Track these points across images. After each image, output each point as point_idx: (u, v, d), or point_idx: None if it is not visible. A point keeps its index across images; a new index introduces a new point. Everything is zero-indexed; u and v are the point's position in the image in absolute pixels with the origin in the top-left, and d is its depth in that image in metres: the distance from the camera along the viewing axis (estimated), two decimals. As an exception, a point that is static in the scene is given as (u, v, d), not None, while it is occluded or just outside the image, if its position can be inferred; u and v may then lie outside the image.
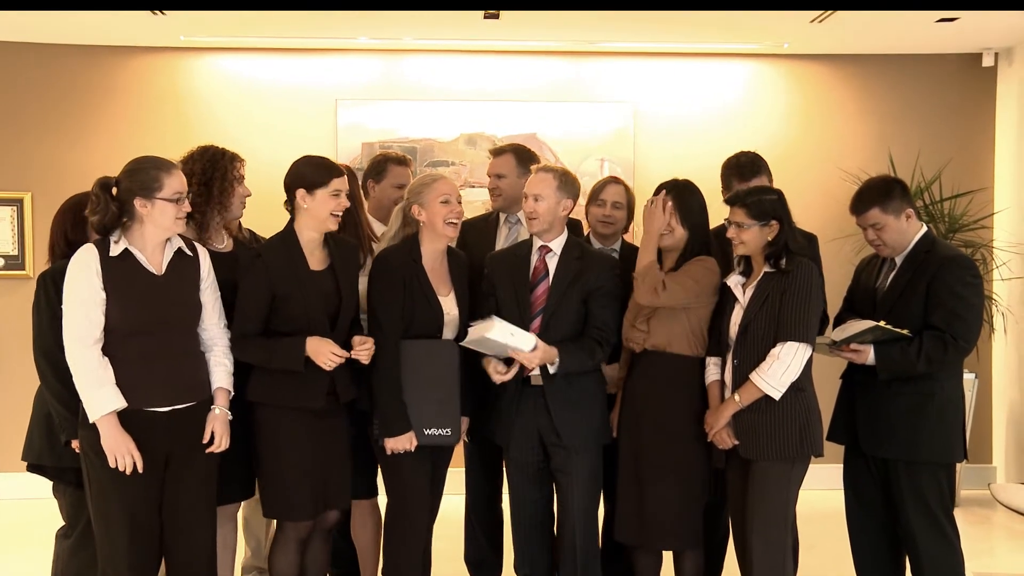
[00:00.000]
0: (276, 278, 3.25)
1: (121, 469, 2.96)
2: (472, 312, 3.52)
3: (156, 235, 3.07)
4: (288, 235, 3.35)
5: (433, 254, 3.49)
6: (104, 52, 5.65)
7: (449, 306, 3.46)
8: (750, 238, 3.33)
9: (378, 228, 3.96)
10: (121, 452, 2.96)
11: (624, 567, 3.77)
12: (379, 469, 3.62)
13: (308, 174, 3.33)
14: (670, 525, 3.42)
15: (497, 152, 4.11)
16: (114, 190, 3.03)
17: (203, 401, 3.14)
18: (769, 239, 3.31)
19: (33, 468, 3.47)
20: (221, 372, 3.19)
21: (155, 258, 3.08)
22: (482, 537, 4.15)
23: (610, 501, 3.79)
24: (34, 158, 5.63)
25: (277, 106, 5.73)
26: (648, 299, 3.36)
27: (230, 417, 3.18)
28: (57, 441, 3.32)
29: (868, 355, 3.41)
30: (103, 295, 2.99)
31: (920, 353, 3.33)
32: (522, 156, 4.03)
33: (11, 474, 5.44)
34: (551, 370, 3.40)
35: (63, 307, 3.04)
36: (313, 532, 3.47)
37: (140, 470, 2.98)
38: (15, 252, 5.63)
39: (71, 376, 3.25)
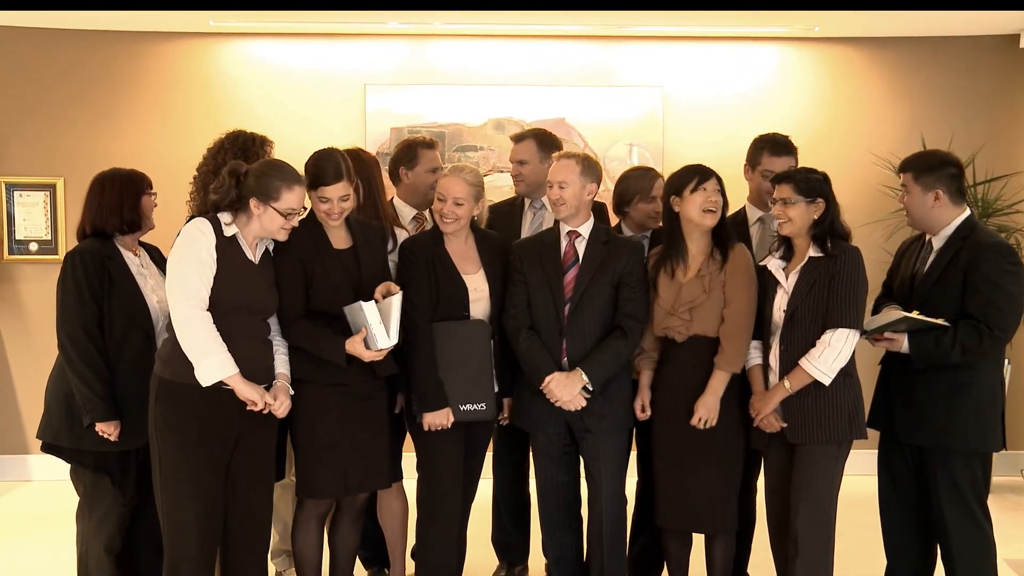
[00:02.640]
0: (304, 256, 3.31)
1: (261, 407, 3.11)
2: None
3: (259, 233, 3.20)
4: (311, 218, 3.40)
5: (454, 238, 3.55)
6: (134, 38, 5.68)
7: (476, 283, 3.53)
8: (796, 215, 3.32)
9: (405, 212, 4.00)
10: (260, 393, 3.12)
11: (653, 549, 3.79)
12: (404, 452, 3.66)
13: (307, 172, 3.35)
14: (712, 509, 3.45)
15: (518, 138, 4.12)
16: (239, 178, 3.16)
17: (269, 386, 3.24)
18: (815, 217, 3.31)
19: (49, 448, 3.48)
20: (282, 359, 3.30)
21: (251, 249, 3.22)
22: (509, 520, 4.18)
23: (643, 483, 3.80)
24: (66, 144, 5.68)
25: (306, 91, 5.74)
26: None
27: (292, 392, 3.27)
28: (76, 422, 3.35)
29: (903, 343, 3.38)
30: (216, 267, 3.09)
31: (955, 343, 3.29)
32: (543, 141, 4.04)
33: (46, 455, 5.53)
34: (590, 387, 3.44)
35: (171, 268, 3.12)
36: (341, 513, 3.52)
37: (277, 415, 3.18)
38: (48, 237, 5.70)
39: (97, 358, 3.32)
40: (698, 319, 3.42)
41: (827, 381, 3.25)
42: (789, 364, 3.31)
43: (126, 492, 3.44)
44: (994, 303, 3.31)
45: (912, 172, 3.46)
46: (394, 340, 3.24)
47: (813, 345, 3.27)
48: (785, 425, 3.34)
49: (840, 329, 3.24)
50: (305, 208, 3.27)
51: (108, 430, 3.33)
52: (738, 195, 3.63)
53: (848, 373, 3.30)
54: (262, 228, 3.18)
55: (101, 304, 3.36)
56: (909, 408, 3.45)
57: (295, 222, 3.20)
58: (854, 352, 3.30)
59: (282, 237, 3.21)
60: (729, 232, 3.49)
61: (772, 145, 3.88)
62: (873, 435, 3.65)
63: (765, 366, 3.42)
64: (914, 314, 3.30)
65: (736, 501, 3.50)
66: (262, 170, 3.18)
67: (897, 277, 3.63)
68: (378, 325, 3.20)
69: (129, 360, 3.38)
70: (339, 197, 3.32)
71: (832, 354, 3.23)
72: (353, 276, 3.36)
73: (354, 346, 3.22)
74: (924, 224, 3.48)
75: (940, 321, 3.30)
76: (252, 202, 3.14)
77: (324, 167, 3.32)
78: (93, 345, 3.33)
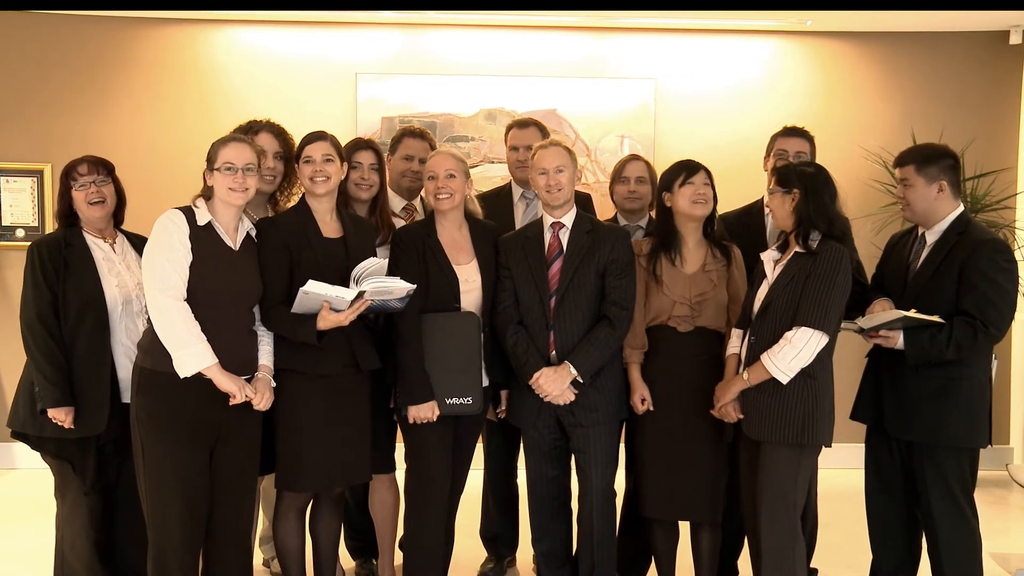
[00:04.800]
0: (290, 242, 3.29)
1: (241, 400, 3.10)
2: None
3: (225, 210, 3.18)
4: (301, 205, 3.41)
5: (447, 227, 3.54)
6: (125, 23, 5.65)
7: (468, 274, 3.50)
8: (775, 205, 3.32)
9: (395, 201, 3.97)
10: (239, 386, 3.11)
11: (641, 541, 3.80)
12: (397, 444, 3.65)
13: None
14: (699, 498, 3.46)
15: (522, 124, 4.15)
16: None
17: (252, 376, 3.23)
18: (789, 208, 3.26)
19: (17, 435, 3.50)
20: (266, 350, 3.28)
21: (230, 235, 3.20)
22: (498, 513, 4.18)
23: (633, 476, 3.81)
24: (55, 129, 5.64)
25: (297, 79, 5.72)
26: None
27: (273, 384, 3.25)
28: (38, 410, 3.35)
29: (898, 340, 3.36)
30: (191, 256, 3.08)
31: (950, 341, 3.28)
32: (543, 130, 4.12)
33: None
34: (580, 379, 3.44)
35: (146, 260, 3.11)
36: (319, 503, 3.50)
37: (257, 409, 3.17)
38: (35, 223, 5.66)
39: (50, 344, 3.31)
40: (705, 312, 3.46)
41: (784, 379, 3.17)
42: (755, 357, 3.26)
43: (87, 479, 3.43)
44: (990, 300, 3.30)
45: (914, 164, 3.44)
46: (363, 287, 3.15)
47: (778, 341, 3.20)
48: (742, 417, 3.32)
49: (804, 328, 3.15)
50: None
51: (60, 416, 3.31)
52: (733, 188, 3.63)
53: (810, 375, 3.18)
54: (220, 199, 3.16)
55: (56, 292, 3.35)
56: (900, 403, 3.44)
57: (241, 179, 3.13)
58: (827, 355, 3.21)
59: (236, 200, 3.15)
60: (720, 229, 3.54)
61: (785, 129, 3.96)
62: (860, 429, 3.66)
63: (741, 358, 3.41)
64: (911, 312, 3.28)
65: (723, 491, 3.51)
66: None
67: (888, 271, 3.61)
68: (331, 290, 3.12)
69: (84, 347, 3.36)
70: (323, 156, 3.32)
71: (791, 352, 3.15)
72: (341, 266, 3.33)
73: (325, 320, 3.18)
74: (925, 217, 3.45)
75: (935, 318, 3.28)
76: (206, 174, 3.18)
77: (308, 135, 3.40)
78: (47, 331, 3.32)
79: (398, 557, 3.82)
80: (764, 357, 3.20)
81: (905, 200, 3.47)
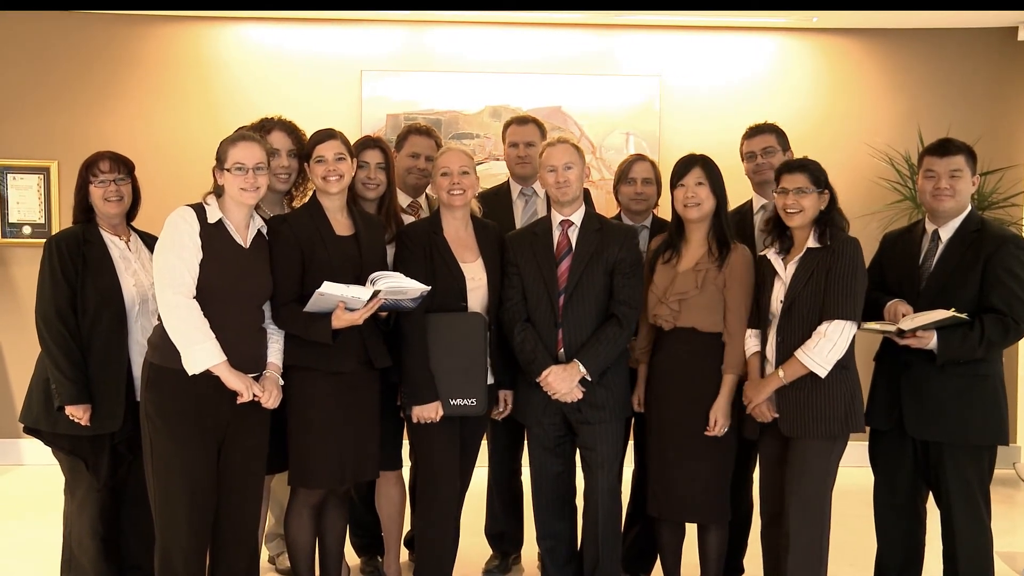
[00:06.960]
0: (303, 240, 3.28)
1: (248, 398, 3.09)
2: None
3: (236, 208, 3.18)
4: (312, 203, 3.40)
5: (454, 224, 3.53)
6: (129, 20, 5.65)
7: (475, 272, 3.50)
8: (810, 204, 3.28)
9: (400, 198, 3.95)
10: (247, 384, 3.10)
11: (646, 540, 3.80)
12: (404, 441, 3.65)
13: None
14: (702, 499, 3.44)
15: (521, 120, 4.18)
16: None
17: (260, 375, 3.23)
18: (822, 208, 3.29)
19: (30, 431, 3.49)
20: (276, 348, 3.27)
21: (241, 232, 3.19)
22: (503, 510, 4.18)
23: (640, 472, 3.81)
24: (60, 127, 5.66)
25: (302, 76, 5.72)
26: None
27: (281, 383, 3.25)
28: (52, 406, 3.35)
29: (931, 340, 3.28)
30: (201, 254, 3.08)
31: (982, 338, 3.25)
32: (542, 127, 4.16)
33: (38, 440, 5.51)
34: (588, 378, 3.44)
35: (156, 257, 3.11)
36: (326, 499, 3.50)
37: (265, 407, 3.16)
38: (41, 220, 5.67)
39: (68, 340, 3.31)
40: (686, 312, 3.42)
41: (822, 373, 3.21)
42: (785, 355, 3.26)
43: (100, 477, 3.43)
44: (1017, 296, 3.27)
45: (964, 155, 3.40)
46: (379, 286, 3.16)
47: (809, 336, 3.22)
48: (777, 416, 3.31)
49: (836, 320, 3.19)
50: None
51: (77, 413, 3.31)
52: (738, 186, 3.62)
53: (844, 366, 3.23)
54: (231, 198, 3.16)
55: (75, 287, 3.35)
56: (922, 403, 3.37)
57: (252, 179, 3.14)
58: (852, 346, 3.25)
59: (248, 200, 3.16)
60: (727, 228, 3.49)
61: (748, 129, 3.96)
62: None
63: (763, 357, 3.38)
64: (953, 312, 3.19)
65: (728, 491, 3.49)
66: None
67: (893, 270, 3.53)
68: (347, 290, 3.13)
69: (101, 344, 3.36)
70: (335, 154, 3.33)
71: (827, 345, 3.18)
72: (354, 263, 3.34)
73: (340, 319, 3.18)
74: (955, 211, 3.39)
75: (964, 316, 3.22)
76: (216, 174, 3.18)
77: (317, 133, 3.40)
78: (64, 327, 3.32)
79: (403, 554, 3.82)
80: (799, 353, 3.21)
81: (952, 190, 3.37)
